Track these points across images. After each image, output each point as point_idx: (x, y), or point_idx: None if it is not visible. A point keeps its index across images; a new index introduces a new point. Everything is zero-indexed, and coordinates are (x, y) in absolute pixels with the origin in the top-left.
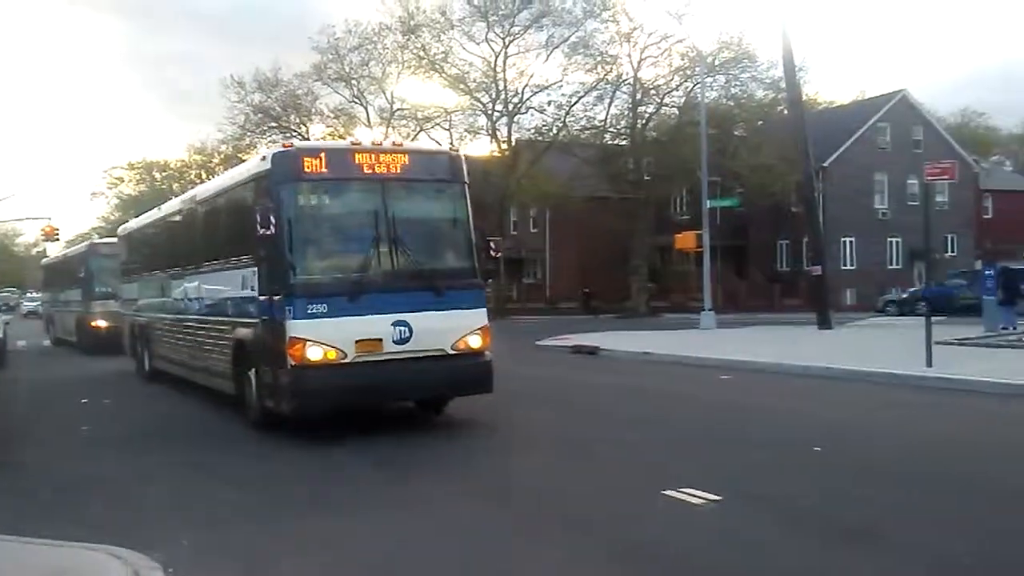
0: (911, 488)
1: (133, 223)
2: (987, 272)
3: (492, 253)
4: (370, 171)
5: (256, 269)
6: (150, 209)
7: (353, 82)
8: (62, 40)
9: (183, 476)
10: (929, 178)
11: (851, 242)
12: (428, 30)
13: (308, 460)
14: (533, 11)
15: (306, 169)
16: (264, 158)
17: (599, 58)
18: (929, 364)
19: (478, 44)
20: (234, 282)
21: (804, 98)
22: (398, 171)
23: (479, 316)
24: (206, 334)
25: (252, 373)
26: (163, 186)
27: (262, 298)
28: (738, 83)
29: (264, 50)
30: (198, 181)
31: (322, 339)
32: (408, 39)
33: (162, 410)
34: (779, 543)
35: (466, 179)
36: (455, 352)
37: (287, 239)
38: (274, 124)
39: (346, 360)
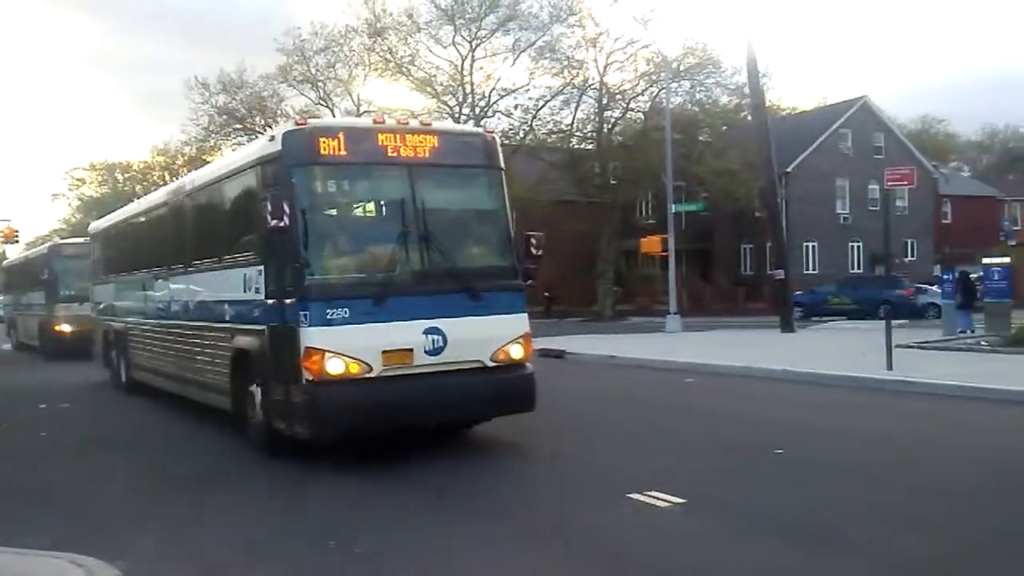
0: (873, 489)
1: (107, 219)
2: (946, 277)
3: (533, 250)
4: (395, 154)
5: (262, 268)
6: (113, 210)
7: (319, 84)
8: (20, 37)
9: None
10: (889, 184)
11: (813, 247)
12: (395, 33)
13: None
14: (500, 15)
15: (322, 151)
16: (273, 138)
17: (565, 62)
18: (889, 367)
19: (445, 47)
20: (234, 283)
21: (767, 104)
22: (426, 155)
23: (520, 322)
24: (198, 342)
25: (256, 388)
26: (126, 188)
27: (270, 301)
28: (703, 89)
29: (230, 52)
30: (161, 183)
31: (343, 350)
32: (375, 42)
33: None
34: (744, 545)
35: (502, 164)
36: (495, 364)
37: (301, 233)
38: (239, 126)
39: (371, 375)
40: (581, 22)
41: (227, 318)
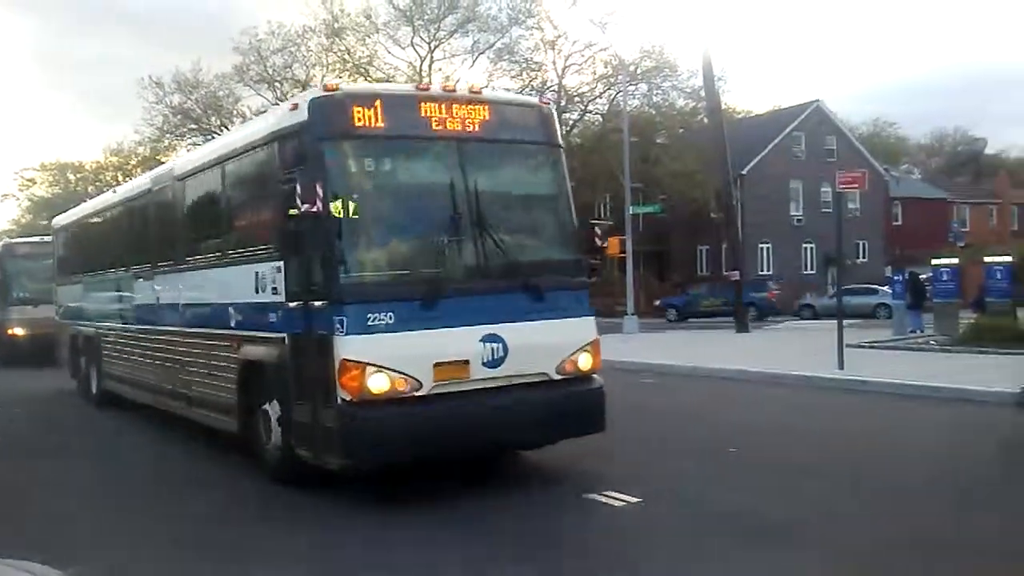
0: (825, 485)
1: (74, 211)
2: (896, 278)
3: (597, 241)
4: (441, 127)
5: (281, 264)
6: (65, 210)
7: (276, 84)
8: None
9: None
10: (841, 187)
11: (768, 248)
12: (353, 33)
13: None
14: (458, 17)
15: (357, 122)
16: (296, 106)
17: (524, 64)
18: (841, 367)
19: (403, 48)
20: (242, 282)
21: (723, 107)
22: (477, 129)
23: (587, 326)
24: (192, 352)
25: (273, 408)
26: (78, 188)
27: (293, 304)
28: (660, 91)
29: (184, 51)
30: (115, 183)
31: (388, 362)
32: (332, 42)
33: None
34: (699, 542)
35: (560, 142)
36: (561, 377)
37: (333, 221)
38: (194, 126)
39: (420, 392)
40: (540, 25)
41: (232, 324)
